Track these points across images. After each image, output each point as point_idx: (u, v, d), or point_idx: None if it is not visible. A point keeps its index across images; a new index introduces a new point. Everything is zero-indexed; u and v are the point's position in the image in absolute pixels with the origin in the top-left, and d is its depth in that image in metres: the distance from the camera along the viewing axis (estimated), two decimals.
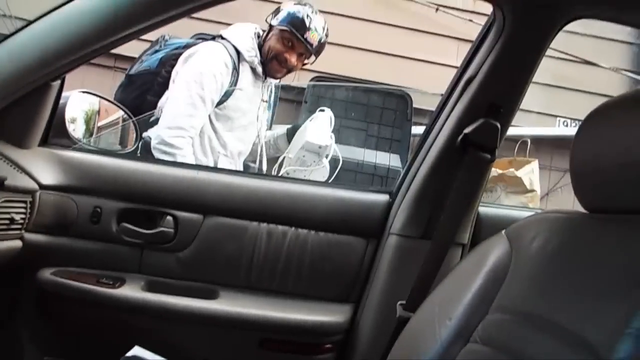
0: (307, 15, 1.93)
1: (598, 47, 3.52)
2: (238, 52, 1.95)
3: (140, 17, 1.09)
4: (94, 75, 3.08)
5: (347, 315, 1.35)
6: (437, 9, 3.44)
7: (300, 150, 1.92)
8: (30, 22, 1.12)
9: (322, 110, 2.05)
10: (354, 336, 1.35)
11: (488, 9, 1.20)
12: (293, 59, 1.97)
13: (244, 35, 1.98)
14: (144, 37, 1.21)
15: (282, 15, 1.95)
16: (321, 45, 1.98)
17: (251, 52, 1.96)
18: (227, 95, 1.93)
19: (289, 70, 2.02)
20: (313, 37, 1.94)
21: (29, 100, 1.21)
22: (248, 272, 1.37)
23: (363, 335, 1.32)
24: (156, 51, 2.06)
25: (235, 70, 1.94)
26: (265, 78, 2.04)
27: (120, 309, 1.27)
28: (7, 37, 1.14)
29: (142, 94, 1.99)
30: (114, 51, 1.18)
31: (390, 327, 1.17)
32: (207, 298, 1.32)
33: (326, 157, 1.94)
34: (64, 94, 1.36)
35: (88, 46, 1.12)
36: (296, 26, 1.92)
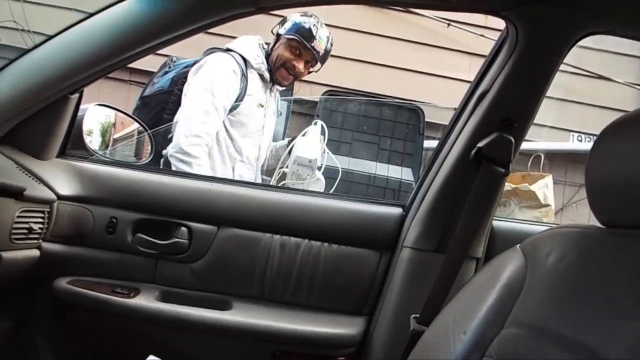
0: (314, 25, 2.01)
1: (612, 62, 3.50)
2: (245, 61, 2.03)
3: (157, 33, 1.13)
4: (110, 89, 3.13)
5: (360, 328, 1.35)
6: (448, 25, 3.45)
7: (293, 165, 1.97)
8: (50, 37, 1.16)
9: (315, 124, 2.08)
10: (367, 349, 1.34)
11: (500, 24, 1.21)
12: (300, 66, 2.05)
13: (250, 45, 2.07)
14: (160, 52, 1.24)
15: (289, 25, 2.04)
16: (326, 54, 2.07)
17: (258, 60, 2.04)
18: (238, 101, 1.99)
19: (295, 78, 2.10)
20: (320, 45, 2.02)
21: (48, 112, 1.24)
22: (261, 284, 1.38)
23: (376, 348, 1.31)
24: (166, 72, 2.12)
25: (244, 76, 2.00)
26: (273, 85, 2.11)
27: (134, 319, 1.28)
28: (27, 51, 1.17)
29: (158, 114, 2.03)
30: (129, 65, 1.20)
31: (404, 341, 1.16)
32: (221, 309, 1.33)
33: (318, 169, 1.96)
34: (81, 106, 1.38)
35: (106, 61, 1.15)
36: (304, 35, 2.01)
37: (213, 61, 1.98)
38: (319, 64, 2.09)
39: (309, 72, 2.13)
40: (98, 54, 1.16)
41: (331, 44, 2.07)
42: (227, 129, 2.00)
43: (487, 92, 1.23)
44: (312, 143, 2.01)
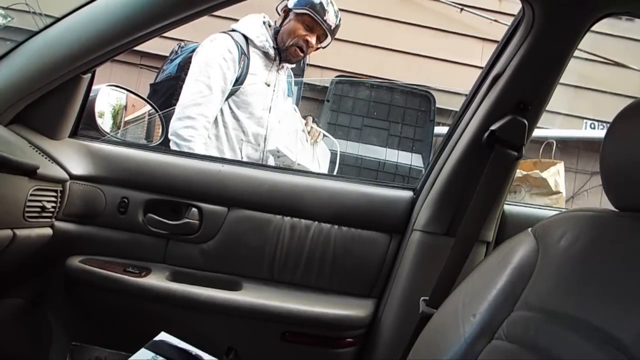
0: (325, 0, 1.98)
1: (627, 48, 3.45)
2: (247, 40, 2.00)
3: (167, 13, 1.12)
4: (120, 72, 3.14)
5: (369, 310, 1.35)
6: (461, 10, 3.41)
7: (276, 160, 2.02)
8: (61, 17, 1.16)
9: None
10: (375, 331, 1.35)
11: (513, 8, 1.19)
12: (313, 41, 2.01)
13: (252, 23, 2.04)
14: (169, 35, 1.23)
15: (300, 1, 1.99)
16: (336, 28, 2.03)
17: (261, 38, 2.01)
18: (241, 81, 1.97)
19: (305, 54, 2.08)
20: (331, 19, 1.99)
21: (61, 92, 1.24)
22: (271, 265, 1.38)
23: (385, 331, 1.32)
24: (174, 59, 2.12)
25: (245, 55, 1.98)
26: (280, 63, 2.08)
27: (145, 298, 1.30)
28: (40, 30, 1.17)
29: (168, 100, 2.03)
30: (139, 49, 1.20)
31: (413, 323, 1.16)
32: (231, 289, 1.33)
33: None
34: (93, 87, 1.39)
35: (117, 40, 1.15)
36: (316, 9, 1.97)
37: (207, 43, 1.98)
38: (328, 39, 2.05)
39: (317, 48, 2.09)
40: (110, 33, 1.15)
41: (340, 19, 2.03)
42: (233, 109, 1.99)
43: (501, 75, 1.22)
44: (278, 132, 2.03)
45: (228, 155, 1.98)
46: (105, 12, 1.15)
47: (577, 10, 1.10)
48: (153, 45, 1.24)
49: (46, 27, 1.17)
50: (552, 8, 1.10)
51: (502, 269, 0.88)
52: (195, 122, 1.89)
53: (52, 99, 1.23)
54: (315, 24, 1.98)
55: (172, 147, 1.88)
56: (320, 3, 1.97)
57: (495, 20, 3.29)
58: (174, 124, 1.89)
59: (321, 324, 1.31)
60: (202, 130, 1.91)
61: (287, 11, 2.03)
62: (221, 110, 1.97)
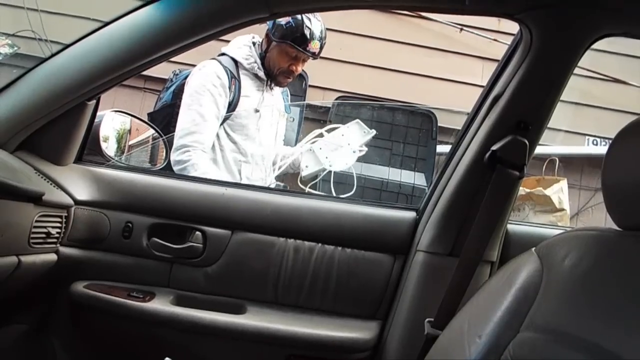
0: (306, 27, 1.95)
1: (627, 65, 3.47)
2: (236, 63, 2.02)
3: (171, 41, 1.15)
4: (125, 97, 3.18)
5: (374, 332, 1.34)
6: (461, 29, 3.44)
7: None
8: (67, 46, 1.18)
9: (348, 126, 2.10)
10: (381, 353, 1.33)
11: (512, 28, 1.20)
12: (299, 68, 2.03)
13: (240, 45, 2.05)
14: (174, 58, 1.25)
15: (279, 30, 1.97)
16: (322, 48, 2.03)
17: (249, 59, 2.03)
18: (234, 104, 1.99)
19: (294, 79, 2.10)
20: (315, 46, 1.98)
21: (66, 119, 1.26)
22: (275, 288, 1.38)
23: (391, 352, 1.31)
24: (169, 86, 2.15)
25: (235, 79, 2.00)
26: (272, 86, 2.09)
27: (149, 323, 1.29)
28: (46, 59, 1.20)
29: (166, 127, 2.05)
30: (143, 73, 1.22)
31: (419, 345, 1.15)
32: (235, 313, 1.33)
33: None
34: (98, 113, 1.41)
35: (122, 67, 1.18)
36: (297, 41, 1.96)
37: (195, 71, 2.01)
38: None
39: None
40: (114, 61, 1.18)
41: (325, 36, 2.01)
42: (228, 133, 2.01)
43: (501, 95, 1.23)
44: (312, 158, 2.06)
45: (226, 178, 1.99)
46: (110, 40, 1.17)
47: (575, 32, 1.11)
48: (157, 69, 1.26)
49: (52, 55, 1.19)
50: (550, 30, 1.11)
51: (506, 289, 0.87)
52: (191, 149, 1.91)
53: (57, 126, 1.25)
54: (298, 52, 1.99)
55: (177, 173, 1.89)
56: (302, 34, 1.94)
57: (495, 40, 3.32)
58: (172, 155, 1.91)
59: (326, 346, 1.30)
60: (198, 151, 1.92)
61: (269, 36, 2.01)
62: (217, 134, 1.99)
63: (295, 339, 1.30)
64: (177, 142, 1.92)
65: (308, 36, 1.95)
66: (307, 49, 1.97)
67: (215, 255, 1.38)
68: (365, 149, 2.21)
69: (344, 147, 2.14)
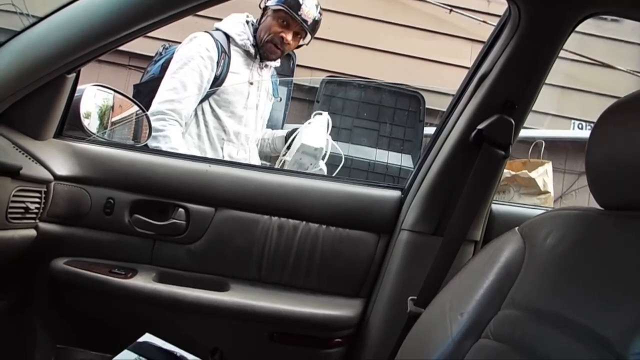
0: None
1: (613, 49, 3.48)
2: (228, 38, 2.00)
3: (151, 13, 1.11)
4: (109, 73, 3.12)
5: (357, 310, 1.35)
6: (450, 11, 3.42)
7: (297, 154, 1.96)
8: (45, 16, 1.14)
9: (320, 114, 2.07)
10: (364, 331, 1.34)
11: (502, 9, 1.20)
12: (289, 37, 2.00)
13: (234, 21, 2.04)
14: (157, 35, 1.22)
15: None
16: (316, 24, 2.01)
17: (242, 36, 2.01)
18: (221, 79, 1.97)
19: (283, 52, 2.06)
20: (308, 14, 1.97)
21: (45, 92, 1.23)
22: (259, 265, 1.37)
23: (373, 330, 1.32)
24: (158, 60, 2.12)
25: (225, 53, 1.98)
26: (261, 61, 2.07)
27: (131, 299, 1.28)
28: (22, 30, 1.16)
29: (151, 100, 2.02)
30: (128, 49, 1.19)
31: (401, 323, 1.16)
32: (218, 290, 1.32)
33: (323, 158, 1.96)
34: (78, 87, 1.37)
35: (102, 39, 1.14)
36: (290, 5, 1.96)
37: (185, 41, 1.98)
38: (309, 36, 2.04)
39: (299, 46, 2.09)
40: (94, 32, 1.14)
41: (320, 13, 2.01)
42: (213, 108, 1.99)
43: (487, 74, 1.22)
44: (317, 132, 2.00)
45: (210, 154, 1.98)
46: (88, 11, 1.13)
47: (562, 10, 1.10)
48: (141, 46, 1.23)
49: (29, 26, 1.15)
50: (538, 7, 1.11)
51: (489, 268, 0.88)
52: (167, 117, 1.89)
53: (35, 99, 1.22)
54: (291, 20, 1.97)
55: (151, 142, 1.86)
56: (295, 0, 1.95)
57: (484, 22, 3.31)
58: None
59: (309, 324, 1.31)
60: (173, 122, 1.90)
61: (265, 8, 2.03)
62: (202, 109, 1.97)
63: (278, 316, 1.30)
64: (154, 106, 1.90)
65: (302, 2, 1.96)
66: (300, 13, 1.96)
67: (199, 232, 1.37)
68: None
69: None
